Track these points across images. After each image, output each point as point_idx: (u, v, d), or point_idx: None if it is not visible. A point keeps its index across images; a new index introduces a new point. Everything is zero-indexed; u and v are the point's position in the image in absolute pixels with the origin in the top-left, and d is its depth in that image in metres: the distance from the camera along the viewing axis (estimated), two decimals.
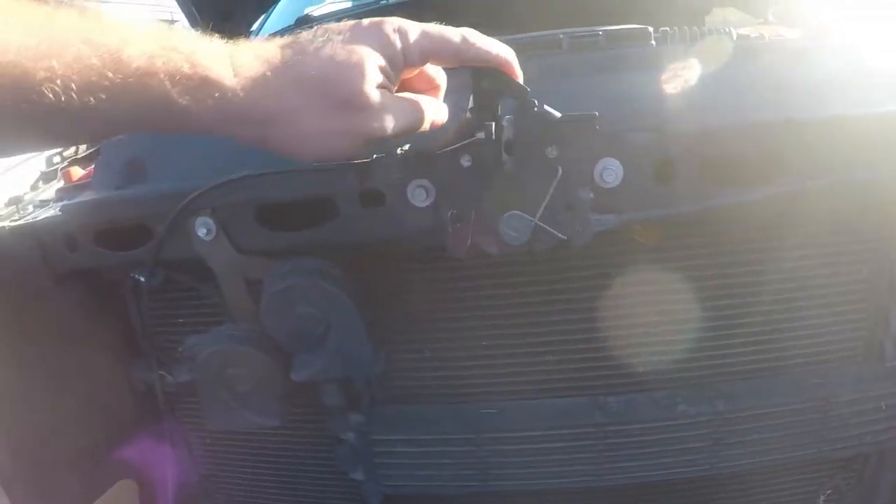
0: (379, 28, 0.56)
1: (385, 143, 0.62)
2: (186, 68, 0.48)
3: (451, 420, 0.89)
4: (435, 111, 0.63)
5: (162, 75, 0.46)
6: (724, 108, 0.75)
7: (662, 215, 0.73)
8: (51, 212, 1.01)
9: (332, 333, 0.79)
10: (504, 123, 0.67)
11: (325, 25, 0.57)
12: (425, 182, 0.71)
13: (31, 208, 1.13)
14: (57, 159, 1.47)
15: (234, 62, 0.51)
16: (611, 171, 0.71)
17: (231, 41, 0.54)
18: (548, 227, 0.69)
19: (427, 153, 0.69)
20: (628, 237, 0.82)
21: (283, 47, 0.54)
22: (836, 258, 0.88)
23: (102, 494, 0.99)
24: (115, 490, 1.01)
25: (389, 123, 0.57)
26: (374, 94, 0.55)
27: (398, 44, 0.56)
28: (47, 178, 1.41)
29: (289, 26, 1.91)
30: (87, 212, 0.92)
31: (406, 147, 0.70)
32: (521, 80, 0.64)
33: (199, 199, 0.81)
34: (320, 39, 0.54)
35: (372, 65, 0.54)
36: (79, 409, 1.03)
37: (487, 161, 0.67)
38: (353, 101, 0.54)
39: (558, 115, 0.67)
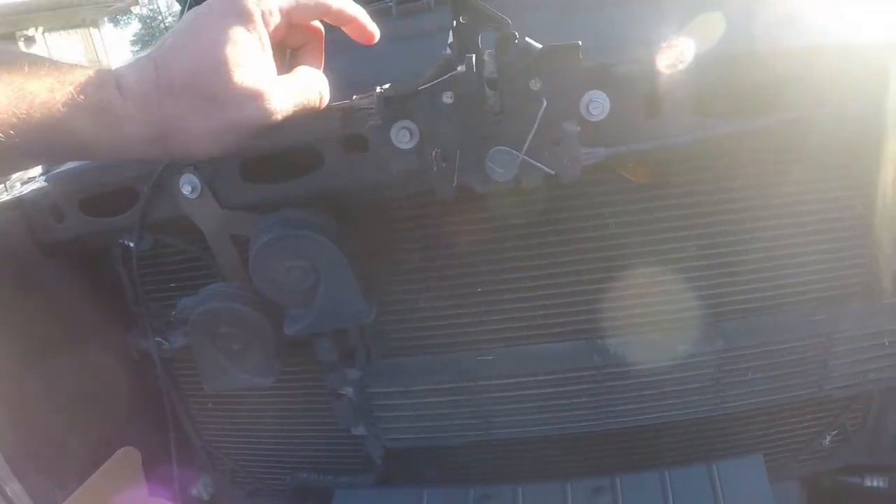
0: (232, 4, 0.54)
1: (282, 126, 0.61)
2: (81, 99, 0.49)
3: (447, 369, 0.88)
4: (322, 83, 0.62)
5: (61, 107, 0.48)
6: (713, 39, 0.73)
7: (652, 148, 0.71)
8: (36, 185, 1.00)
9: (322, 285, 0.78)
10: (485, 57, 0.66)
11: (187, 14, 0.56)
12: (408, 123, 0.69)
13: (18, 185, 1.12)
14: None
15: (120, 86, 0.51)
16: (597, 104, 0.69)
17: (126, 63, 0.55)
18: (535, 162, 0.67)
19: (407, 92, 0.67)
20: (618, 175, 0.80)
21: (154, 58, 0.54)
22: (831, 193, 0.86)
23: (105, 462, 0.99)
24: (119, 456, 1.01)
25: (271, 106, 0.55)
26: (245, 83, 0.53)
27: (256, 14, 0.54)
28: None
29: None
30: (71, 180, 0.91)
31: (386, 86, 0.68)
32: (375, 35, 0.66)
33: (178, 161, 0.80)
34: (182, 35, 0.53)
35: (235, 52, 0.52)
36: (77, 381, 1.02)
37: (470, 97, 0.66)
38: (222, 97, 0.52)
39: (540, 46, 0.65)
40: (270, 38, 0.56)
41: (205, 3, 0.55)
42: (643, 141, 0.72)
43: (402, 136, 0.70)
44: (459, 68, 0.64)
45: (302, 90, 0.59)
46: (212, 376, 0.88)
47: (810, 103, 0.72)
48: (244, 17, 0.53)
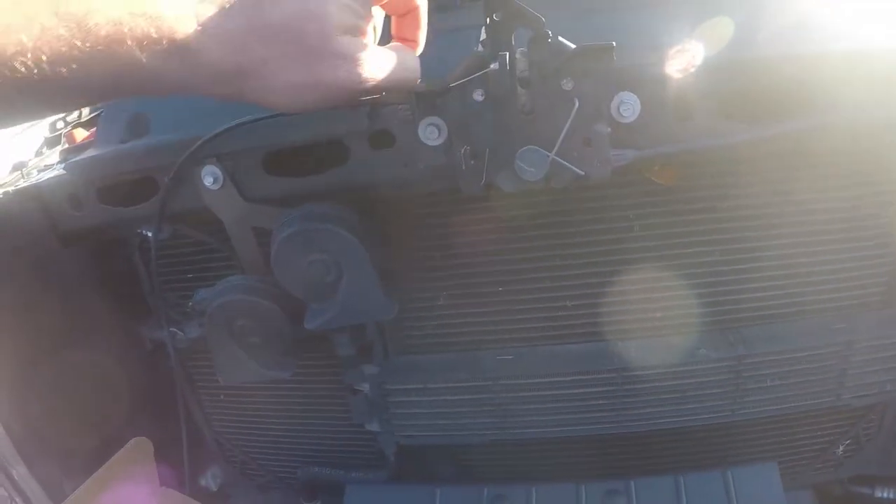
0: None
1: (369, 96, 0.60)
2: (153, 32, 0.46)
3: (466, 368, 0.88)
4: (416, 63, 0.61)
5: (130, 42, 0.45)
6: (744, 43, 0.73)
7: (681, 151, 0.71)
8: (54, 173, 1.00)
9: (345, 280, 0.77)
10: (518, 55, 0.65)
11: None
12: (437, 120, 0.68)
13: (35, 173, 1.11)
14: (60, 124, 1.46)
15: (199, 19, 0.49)
16: (628, 106, 0.68)
17: None
18: (565, 163, 0.67)
19: (438, 88, 0.66)
20: (645, 178, 0.80)
21: None
22: (855, 201, 0.85)
23: (116, 451, 0.99)
24: (131, 447, 1.01)
25: (363, 74, 0.53)
26: (342, 42, 0.51)
27: None
28: (51, 143, 1.40)
29: None
30: (90, 168, 0.90)
31: (419, 83, 0.68)
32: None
33: (204, 146, 0.79)
34: None
35: (341, 9, 0.51)
36: (90, 370, 1.02)
37: (501, 95, 0.65)
38: (318, 50, 0.51)
39: (573, 46, 0.64)
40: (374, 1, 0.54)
41: None
42: (673, 143, 0.71)
43: (431, 133, 0.69)
44: (492, 66, 0.64)
45: (398, 67, 0.58)
46: (227, 369, 0.88)
47: (835, 108, 0.72)
48: None
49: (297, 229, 0.74)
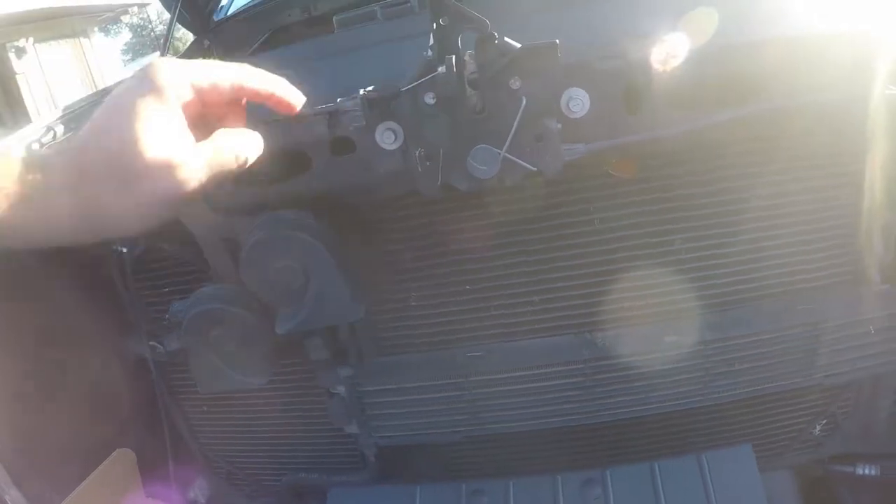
0: (144, 82, 0.52)
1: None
2: (7, 187, 0.48)
3: (438, 366, 0.89)
4: (240, 142, 0.58)
5: None
6: (706, 34, 0.74)
7: (632, 142, 0.72)
8: None
9: (312, 284, 0.79)
10: (466, 58, 0.67)
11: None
12: (392, 124, 0.70)
13: None
14: (35, 146, 1.47)
15: (45, 171, 0.50)
16: (577, 101, 0.70)
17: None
18: (516, 159, 0.68)
19: (390, 93, 0.68)
20: (605, 171, 0.82)
21: (77, 138, 0.52)
22: (815, 182, 0.87)
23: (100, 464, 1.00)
24: (114, 458, 1.02)
25: (186, 178, 0.52)
26: (156, 156, 0.51)
27: (167, 90, 0.52)
28: None
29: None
30: None
31: (370, 89, 0.70)
32: (297, 104, 0.61)
33: None
34: (100, 116, 0.52)
35: (145, 127, 0.51)
36: (74, 386, 1.03)
37: (451, 97, 0.67)
38: (136, 172, 0.51)
39: (518, 46, 0.66)
40: (184, 111, 0.54)
41: (121, 82, 0.55)
42: (624, 136, 0.73)
43: (387, 137, 0.71)
44: (440, 69, 0.65)
45: (216, 154, 0.56)
46: (205, 378, 0.89)
47: (791, 93, 0.73)
48: (155, 93, 0.52)
49: (262, 237, 0.76)
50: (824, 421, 1.05)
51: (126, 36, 23.75)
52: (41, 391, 0.99)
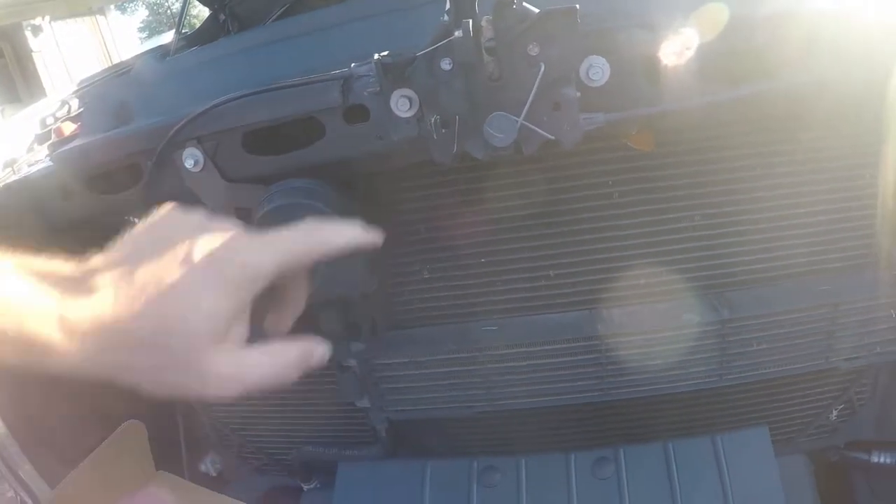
0: (216, 266, 0.47)
1: None
2: (13, 335, 0.43)
3: (451, 340, 0.88)
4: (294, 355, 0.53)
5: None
6: (715, 2, 0.72)
7: (653, 113, 0.71)
8: (43, 166, 1.01)
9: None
10: (483, 23, 0.65)
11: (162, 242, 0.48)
12: (408, 91, 0.69)
13: (25, 167, 1.13)
14: (50, 120, 1.47)
15: (64, 327, 0.44)
16: (597, 69, 0.68)
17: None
18: (534, 127, 0.67)
19: (405, 59, 0.67)
20: (623, 144, 0.80)
21: (115, 299, 0.46)
22: (837, 162, 0.85)
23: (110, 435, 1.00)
24: (123, 429, 1.02)
25: (232, 390, 0.48)
26: (206, 360, 0.47)
27: (244, 285, 0.47)
28: (42, 139, 1.41)
29: None
30: (77, 157, 0.91)
31: (384, 54, 0.68)
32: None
33: (185, 128, 0.80)
34: (152, 282, 0.46)
35: (199, 318, 0.46)
36: None
37: (468, 63, 0.65)
38: (182, 367, 0.46)
39: (537, 11, 0.64)
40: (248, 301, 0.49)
41: (188, 245, 0.48)
42: (645, 106, 0.71)
43: (402, 105, 0.70)
44: (456, 34, 0.64)
45: (273, 374, 0.51)
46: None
47: (815, 68, 0.71)
48: (229, 285, 0.47)
49: (275, 206, 0.75)
50: (841, 406, 1.03)
51: (142, 13, 23.74)
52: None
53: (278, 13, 1.80)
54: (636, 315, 0.87)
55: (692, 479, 0.87)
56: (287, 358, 0.52)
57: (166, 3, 22.00)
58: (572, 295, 0.89)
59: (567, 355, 0.87)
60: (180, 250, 0.48)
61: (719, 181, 0.84)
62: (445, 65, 0.66)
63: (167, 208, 0.52)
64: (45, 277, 0.46)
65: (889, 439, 1.05)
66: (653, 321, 0.86)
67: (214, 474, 1.18)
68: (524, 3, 0.64)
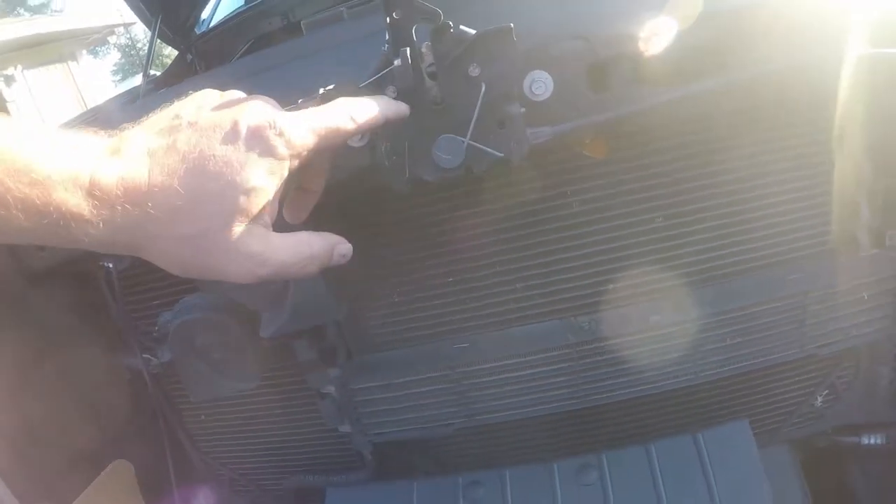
0: (260, 137, 0.47)
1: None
2: (39, 204, 0.41)
3: (425, 360, 0.89)
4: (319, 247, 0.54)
5: (15, 210, 0.41)
6: (647, 9, 0.73)
7: (598, 121, 0.72)
8: None
9: (292, 287, 0.79)
10: (423, 49, 0.66)
11: (207, 108, 0.49)
12: None
13: None
14: None
15: (92, 187, 0.43)
16: (540, 83, 0.70)
17: (108, 135, 0.47)
18: (481, 146, 0.68)
19: (349, 90, 0.68)
20: (577, 153, 0.81)
21: (150, 161, 0.45)
22: (796, 150, 0.86)
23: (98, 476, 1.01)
24: (111, 470, 1.03)
25: (259, 274, 0.49)
26: (245, 245, 0.47)
27: (285, 163, 0.48)
28: None
29: (240, 8, 1.91)
30: None
31: (330, 87, 0.69)
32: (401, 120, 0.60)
33: None
34: (193, 147, 0.46)
35: (248, 204, 0.46)
36: (73, 401, 1.04)
37: (410, 89, 0.66)
38: (217, 246, 0.46)
39: (473, 32, 0.65)
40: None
41: (231, 114, 0.47)
42: (590, 115, 0.72)
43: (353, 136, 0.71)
44: (396, 62, 0.65)
45: (297, 262, 0.53)
46: (196, 387, 0.90)
47: (763, 60, 0.72)
48: (271, 161, 0.47)
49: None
50: (825, 392, 1.04)
51: (115, 56, 23.90)
52: (38, 405, 1.00)
53: (242, 50, 1.82)
54: (605, 321, 0.87)
55: (676, 478, 0.87)
56: (311, 248, 0.54)
57: (137, 45, 22.03)
58: (541, 306, 0.90)
59: (540, 366, 0.87)
60: (223, 121, 0.47)
61: (679, 180, 0.85)
62: (390, 93, 0.67)
63: (205, 90, 0.51)
64: (76, 144, 0.44)
65: (876, 420, 1.05)
66: (622, 326, 0.86)
67: None
68: (461, 27, 0.65)
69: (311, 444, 1.07)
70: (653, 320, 0.85)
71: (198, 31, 1.95)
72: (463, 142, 0.67)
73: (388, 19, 0.64)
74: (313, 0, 1.79)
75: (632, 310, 0.87)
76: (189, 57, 1.91)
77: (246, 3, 1.88)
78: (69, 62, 8.79)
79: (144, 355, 1.02)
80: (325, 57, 0.88)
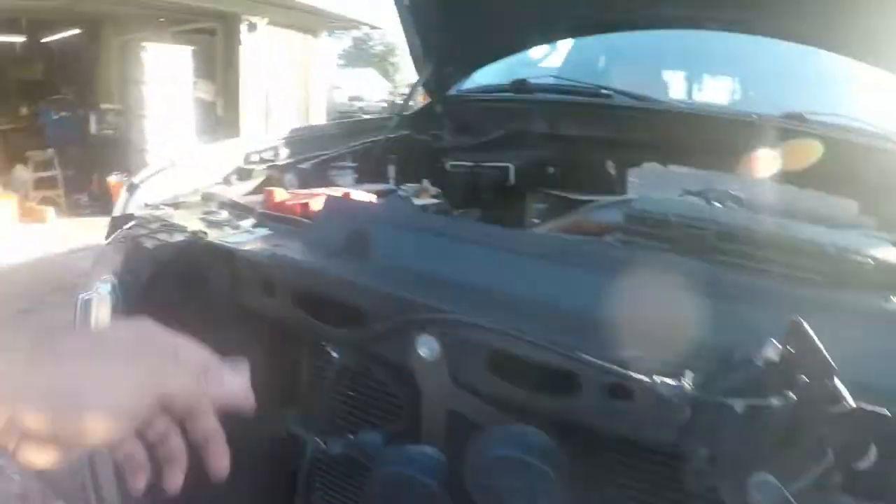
0: (159, 357, 0.49)
1: None
2: None
3: None
4: None
5: None
6: None
7: None
8: (249, 239, 1.02)
9: None
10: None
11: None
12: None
13: (223, 213, 1.14)
14: (255, 157, 1.50)
15: None
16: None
17: None
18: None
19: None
20: None
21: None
22: None
23: None
24: None
25: None
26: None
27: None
28: (242, 175, 1.43)
29: (500, 85, 1.88)
30: (293, 271, 0.93)
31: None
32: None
33: (425, 320, 0.79)
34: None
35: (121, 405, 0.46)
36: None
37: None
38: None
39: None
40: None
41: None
42: None
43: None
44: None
45: None
46: None
47: None
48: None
49: (508, 454, 0.71)
50: None
51: (347, 42, 25.54)
52: None
53: (494, 136, 1.82)
54: None
55: None
56: None
57: (370, 41, 24.38)
58: None
59: None
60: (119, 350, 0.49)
61: None
62: (739, 407, 0.61)
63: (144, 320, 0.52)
64: None
65: None
66: None
67: None
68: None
69: None
70: None
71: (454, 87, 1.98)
72: (780, 489, 0.60)
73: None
74: (578, 120, 1.77)
75: None
76: (438, 108, 1.93)
77: (515, 91, 1.88)
78: (308, 34, 9.38)
79: (315, 437, 0.99)
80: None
